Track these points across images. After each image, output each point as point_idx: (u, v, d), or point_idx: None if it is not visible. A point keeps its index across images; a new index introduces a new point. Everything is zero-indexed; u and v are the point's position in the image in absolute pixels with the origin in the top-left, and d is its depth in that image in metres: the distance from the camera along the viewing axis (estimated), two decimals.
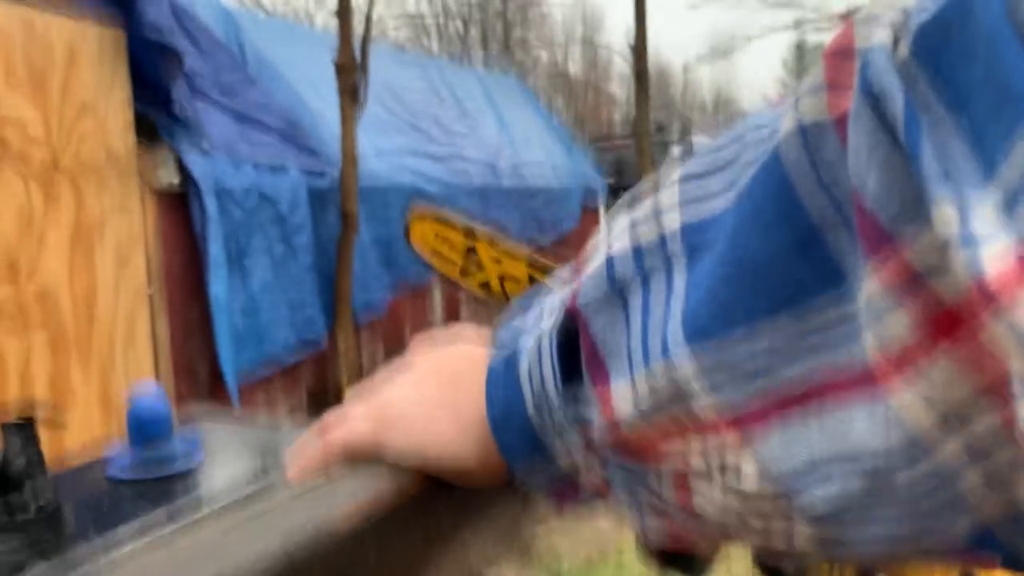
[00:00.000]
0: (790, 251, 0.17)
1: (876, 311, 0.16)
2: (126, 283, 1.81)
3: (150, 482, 0.46)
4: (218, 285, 2.04)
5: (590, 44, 19.53)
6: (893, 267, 0.15)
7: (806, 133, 0.17)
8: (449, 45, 17.07)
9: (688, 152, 0.22)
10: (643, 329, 0.20)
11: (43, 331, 1.59)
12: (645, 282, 0.21)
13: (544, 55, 19.26)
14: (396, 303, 2.92)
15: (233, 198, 2.11)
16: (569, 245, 4.49)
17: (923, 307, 0.15)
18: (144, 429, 0.53)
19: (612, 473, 0.23)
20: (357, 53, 2.46)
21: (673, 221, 0.20)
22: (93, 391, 1.68)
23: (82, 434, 1.61)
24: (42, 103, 1.63)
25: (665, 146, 5.38)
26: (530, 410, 0.24)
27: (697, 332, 0.19)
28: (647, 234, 0.21)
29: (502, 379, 0.25)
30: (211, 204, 2.03)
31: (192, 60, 2.13)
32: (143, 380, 1.77)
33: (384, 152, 3.00)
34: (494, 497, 0.31)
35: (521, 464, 0.25)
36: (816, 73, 0.18)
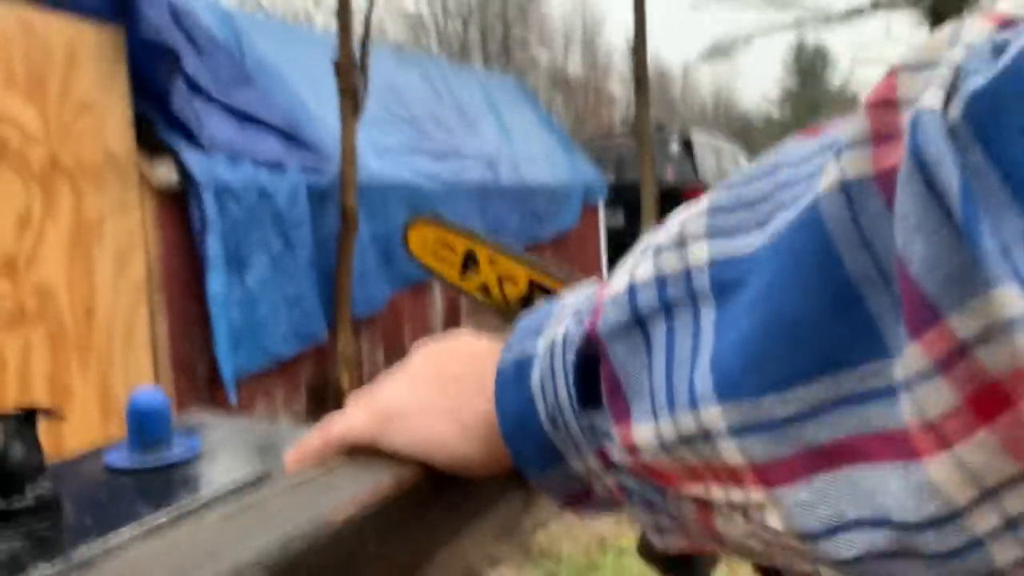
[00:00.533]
0: (828, 310, 0.17)
1: (916, 379, 0.16)
2: (125, 282, 1.81)
3: (148, 472, 0.46)
4: (217, 283, 2.04)
5: (590, 44, 19.54)
6: (937, 337, 0.15)
7: (849, 189, 0.17)
8: (448, 45, 17.08)
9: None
10: (667, 367, 0.20)
11: (42, 330, 1.59)
12: (668, 315, 0.20)
13: (544, 55, 19.26)
14: (396, 300, 2.92)
15: (232, 196, 2.12)
16: (569, 243, 4.49)
17: (967, 380, 0.15)
18: (143, 420, 0.53)
19: (629, 486, 0.23)
20: (356, 54, 2.46)
21: (700, 254, 0.20)
22: (92, 390, 1.68)
23: (81, 432, 1.61)
24: (41, 103, 1.63)
25: (665, 144, 5.38)
26: (544, 421, 0.24)
27: (727, 385, 0.19)
28: (671, 264, 0.21)
29: (512, 384, 0.25)
30: (210, 202, 2.03)
31: (191, 60, 2.14)
32: (140, 369, 1.77)
33: (383, 151, 3.01)
34: (494, 492, 0.31)
35: (536, 471, 0.25)
36: (859, 125, 0.17)
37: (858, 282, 0.17)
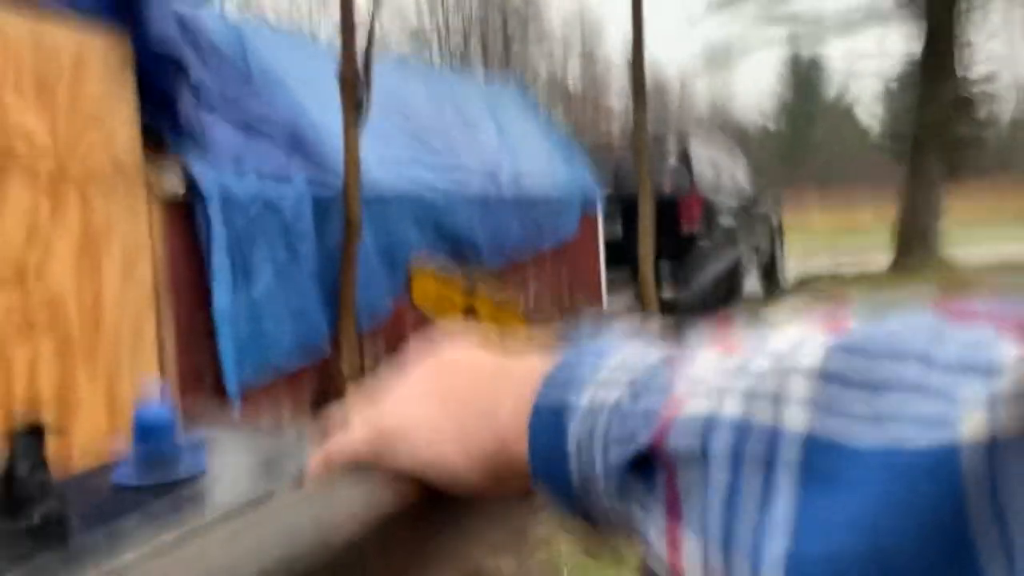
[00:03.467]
0: (939, 565, 0.16)
1: None
2: (132, 291, 1.82)
3: (154, 488, 0.46)
4: (222, 293, 2.05)
5: (589, 58, 19.62)
6: None
7: (997, 447, 0.16)
8: (450, 59, 17.16)
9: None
10: (726, 514, 0.19)
11: (50, 339, 1.59)
12: (736, 464, 0.19)
13: (544, 69, 19.35)
14: (399, 310, 2.92)
15: (238, 206, 2.13)
16: (568, 253, 4.49)
17: None
18: (149, 435, 0.53)
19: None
20: (360, 65, 2.48)
21: (796, 422, 0.19)
22: (99, 398, 1.68)
23: (89, 441, 1.61)
24: (49, 113, 1.65)
25: (662, 155, 5.37)
26: (575, 481, 0.24)
27: None
28: (760, 416, 0.19)
29: (549, 431, 0.25)
30: (216, 212, 2.04)
31: (197, 71, 2.15)
32: (147, 379, 1.78)
33: (387, 161, 3.02)
34: (496, 508, 0.32)
35: (562, 509, 0.26)
36: (1019, 378, 0.16)
37: (978, 543, 0.15)
